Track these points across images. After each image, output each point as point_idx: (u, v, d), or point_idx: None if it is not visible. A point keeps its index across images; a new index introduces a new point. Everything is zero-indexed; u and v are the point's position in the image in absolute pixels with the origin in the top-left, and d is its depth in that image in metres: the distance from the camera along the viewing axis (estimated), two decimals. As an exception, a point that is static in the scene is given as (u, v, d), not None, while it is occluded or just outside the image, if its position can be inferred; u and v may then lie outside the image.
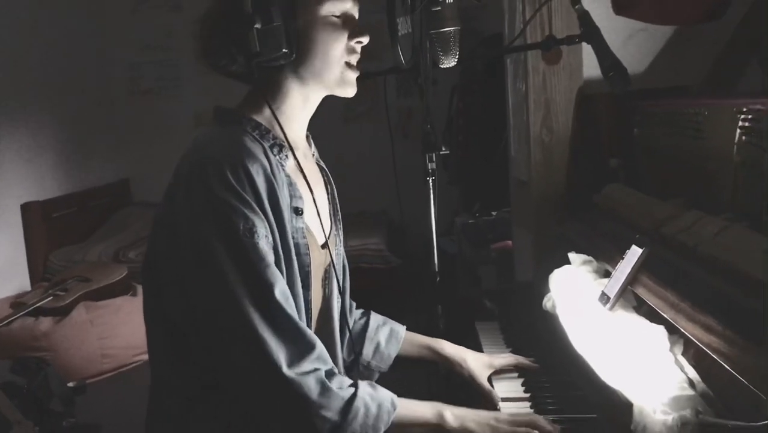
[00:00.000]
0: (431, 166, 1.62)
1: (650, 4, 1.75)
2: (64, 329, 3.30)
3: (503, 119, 2.36)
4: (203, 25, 1.22)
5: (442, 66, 1.31)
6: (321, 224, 1.29)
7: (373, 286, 4.16)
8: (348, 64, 1.25)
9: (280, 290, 1.12)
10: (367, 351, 1.50)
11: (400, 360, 1.54)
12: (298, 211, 1.21)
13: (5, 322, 3.27)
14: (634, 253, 1.22)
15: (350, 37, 1.23)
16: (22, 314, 3.32)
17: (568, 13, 1.81)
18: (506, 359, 1.49)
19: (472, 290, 2.51)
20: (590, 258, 1.45)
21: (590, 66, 1.87)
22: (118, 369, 3.41)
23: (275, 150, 1.21)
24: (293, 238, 1.20)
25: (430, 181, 1.63)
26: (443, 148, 1.64)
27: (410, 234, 4.64)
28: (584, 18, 1.51)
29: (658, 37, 1.91)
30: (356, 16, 1.25)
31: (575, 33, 1.56)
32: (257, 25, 1.13)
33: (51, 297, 3.50)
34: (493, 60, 2.91)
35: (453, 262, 3.33)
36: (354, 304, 1.57)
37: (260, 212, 1.13)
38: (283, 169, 1.21)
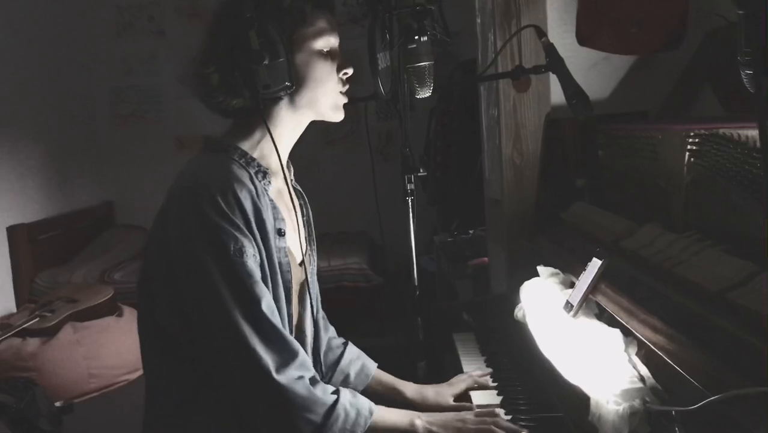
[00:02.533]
0: (410, 186, 1.74)
1: (611, 36, 1.89)
2: (51, 350, 3.32)
3: (479, 142, 2.49)
4: (203, 63, 1.32)
5: (418, 96, 1.44)
6: (300, 244, 1.41)
7: (356, 304, 4.25)
8: (340, 92, 1.38)
9: (267, 303, 1.23)
10: (335, 381, 1.59)
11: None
12: (281, 233, 1.33)
13: (-8, 343, 3.30)
14: (595, 264, 1.34)
15: (339, 70, 1.37)
16: (9, 335, 3.34)
17: (536, 43, 1.94)
18: (465, 381, 1.56)
19: (450, 302, 2.62)
20: (557, 271, 1.57)
21: (557, 93, 1.99)
22: (104, 389, 3.43)
23: (259, 176, 1.32)
24: (277, 257, 1.31)
25: (409, 201, 1.75)
26: (421, 170, 1.76)
27: (391, 253, 4.74)
28: (549, 50, 1.64)
29: (620, 66, 2.04)
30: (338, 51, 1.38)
31: (542, 63, 1.69)
32: (266, 61, 1.25)
33: (38, 318, 3.51)
34: (468, 87, 3.05)
35: (432, 279, 3.44)
36: (333, 329, 1.68)
37: (248, 234, 1.24)
38: (267, 194, 1.32)
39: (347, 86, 1.39)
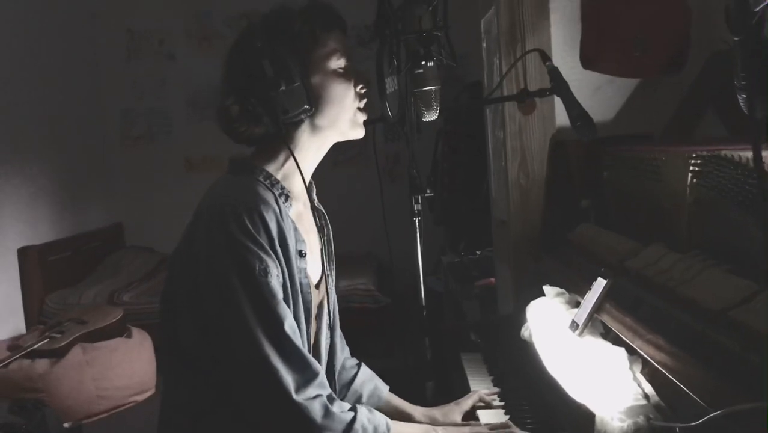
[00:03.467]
0: (417, 207, 1.77)
1: (615, 59, 1.93)
2: (60, 371, 3.33)
3: (485, 163, 2.52)
4: (222, 97, 1.36)
5: (425, 119, 1.48)
6: (321, 264, 1.44)
7: (364, 325, 4.23)
8: (358, 108, 1.41)
9: (289, 324, 1.26)
10: (348, 401, 1.59)
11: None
12: (302, 254, 1.36)
13: (2, 364, 3.29)
14: (600, 284, 1.36)
15: (356, 85, 1.40)
16: (18, 355, 3.35)
17: (541, 66, 1.98)
18: (472, 397, 1.58)
19: (458, 323, 2.64)
20: (563, 290, 1.58)
21: (562, 115, 2.02)
22: (113, 410, 3.44)
23: (282, 198, 1.35)
24: (298, 277, 1.34)
25: (417, 221, 1.77)
26: (428, 191, 1.79)
27: (398, 274, 4.75)
28: (554, 73, 1.67)
29: (624, 88, 2.07)
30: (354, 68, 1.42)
31: (547, 86, 1.72)
32: (282, 87, 1.28)
33: (47, 339, 3.51)
34: (474, 109, 3.09)
35: (440, 300, 3.45)
36: (348, 349, 1.69)
37: (272, 254, 1.27)
38: (289, 216, 1.35)
39: (365, 101, 1.42)
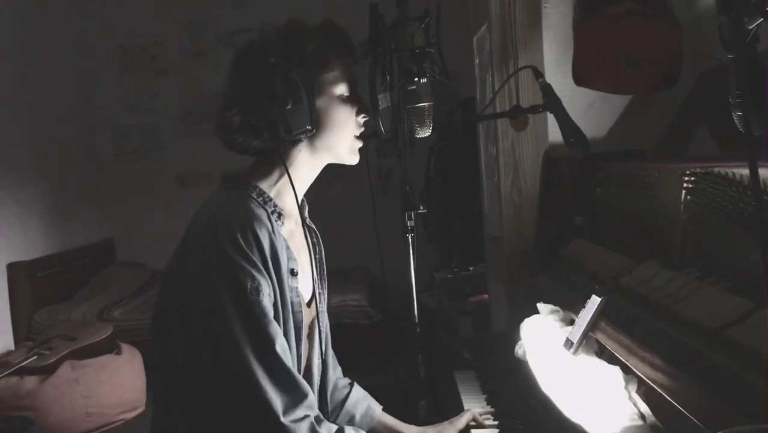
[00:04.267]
0: (410, 223, 1.76)
1: (607, 76, 1.93)
2: (48, 388, 3.30)
3: (478, 179, 2.52)
4: (225, 106, 1.35)
5: (418, 136, 1.47)
6: (313, 282, 1.43)
7: (356, 341, 4.21)
8: (356, 136, 1.42)
9: (280, 344, 1.24)
10: (341, 421, 1.60)
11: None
12: (293, 273, 1.34)
13: (-10, 381, 3.28)
14: (594, 302, 1.35)
15: (357, 114, 1.40)
16: (6, 373, 3.31)
17: (533, 83, 1.98)
18: (466, 416, 1.56)
19: (451, 340, 2.62)
20: (557, 308, 1.57)
21: (555, 131, 2.02)
22: (102, 428, 3.41)
23: (275, 216, 1.34)
24: (289, 296, 1.33)
25: (410, 238, 1.76)
26: (421, 207, 1.78)
27: (391, 290, 4.72)
28: (546, 90, 1.67)
29: (617, 105, 2.08)
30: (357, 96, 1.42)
31: (540, 102, 1.72)
32: (289, 106, 1.28)
33: (36, 356, 3.48)
34: (467, 125, 3.09)
35: (433, 316, 3.43)
36: (340, 369, 1.68)
37: (265, 272, 1.25)
38: (281, 234, 1.34)
39: (363, 129, 1.42)
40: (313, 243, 1.53)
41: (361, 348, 4.22)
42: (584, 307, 1.38)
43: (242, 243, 1.23)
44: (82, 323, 4.04)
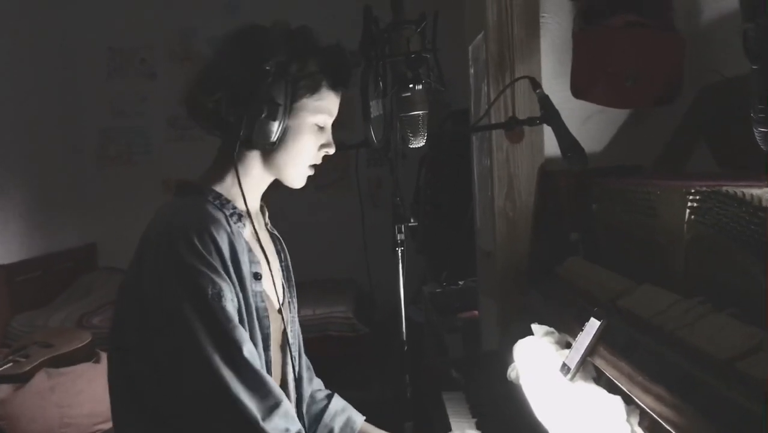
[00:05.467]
0: (400, 237, 1.68)
1: (606, 89, 1.87)
2: (23, 397, 3.21)
3: (469, 190, 2.45)
4: (205, 85, 1.28)
5: (411, 146, 1.39)
6: (275, 290, 1.36)
7: (341, 354, 4.14)
8: (310, 166, 1.36)
9: (248, 348, 1.18)
10: None
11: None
12: (257, 276, 1.28)
13: (-38, 389, 3.18)
14: (593, 325, 1.28)
15: (321, 147, 1.35)
16: (-21, 381, 3.24)
17: (530, 94, 1.92)
18: None
19: (439, 359, 2.54)
20: (552, 329, 1.50)
21: (551, 144, 1.96)
22: (78, 438, 3.32)
23: (234, 218, 1.28)
24: (254, 301, 1.26)
25: (399, 251, 1.69)
26: (412, 220, 1.71)
27: (378, 302, 4.66)
28: (544, 102, 1.61)
29: (614, 119, 2.02)
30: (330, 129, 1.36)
31: (537, 114, 1.66)
32: (262, 116, 1.23)
33: (11, 363, 3.40)
34: (459, 136, 3.03)
35: (420, 330, 3.35)
36: (318, 380, 1.61)
37: (226, 276, 1.19)
38: (242, 237, 1.28)
39: (319, 163, 1.38)
40: (277, 250, 1.46)
41: (345, 361, 4.15)
42: (582, 330, 1.31)
43: (200, 246, 1.17)
44: (61, 330, 3.94)
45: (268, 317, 1.30)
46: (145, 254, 1.22)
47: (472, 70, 2.29)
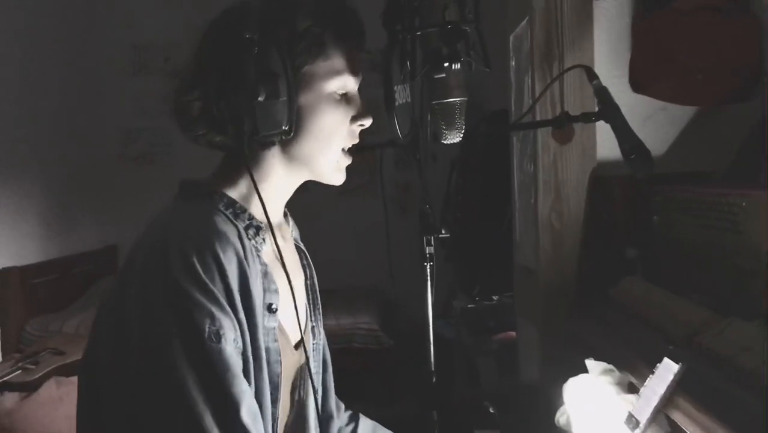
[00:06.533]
0: (429, 250, 1.44)
1: (672, 83, 1.62)
2: (30, 406, 3.06)
3: (505, 197, 2.20)
4: (184, 88, 1.06)
5: (444, 141, 1.13)
6: (297, 316, 1.09)
7: (365, 367, 3.97)
8: (344, 150, 1.10)
9: (248, 407, 0.93)
10: None
11: None
12: (271, 309, 1.03)
13: (-31, 398, 3.05)
14: (668, 368, 1.03)
15: (353, 120, 1.09)
16: (-14, 389, 3.10)
17: (582, 88, 1.68)
18: None
19: (472, 391, 2.29)
20: (611, 367, 1.25)
21: (605, 146, 1.72)
22: (84, 452, 3.15)
23: (251, 233, 1.03)
24: (264, 341, 1.01)
25: (428, 267, 1.45)
26: (443, 231, 1.47)
27: (404, 312, 4.44)
28: (602, 95, 1.35)
29: (679, 118, 1.76)
30: (357, 95, 1.10)
31: (589, 110, 1.41)
32: (260, 98, 0.98)
33: (20, 370, 3.28)
34: (494, 138, 2.78)
35: (449, 347, 3.10)
36: (342, 405, 1.37)
37: (229, 310, 0.94)
38: (259, 256, 1.03)
39: (355, 141, 1.11)
40: (303, 265, 1.23)
41: (369, 375, 3.97)
42: (653, 373, 1.06)
43: (200, 269, 0.92)
44: (74, 337, 3.82)
45: (280, 361, 1.05)
46: (131, 270, 0.98)
47: (513, 63, 2.05)
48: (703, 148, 1.74)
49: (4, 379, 3.20)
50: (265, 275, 1.03)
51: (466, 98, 1.06)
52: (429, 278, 1.45)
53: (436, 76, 1.01)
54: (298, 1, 1.03)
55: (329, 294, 4.54)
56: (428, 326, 1.47)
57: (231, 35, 1.00)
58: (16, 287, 3.95)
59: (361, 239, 4.67)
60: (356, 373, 3.71)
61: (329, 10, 1.04)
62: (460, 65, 0.99)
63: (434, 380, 1.47)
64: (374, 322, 4.09)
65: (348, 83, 1.07)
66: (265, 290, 1.02)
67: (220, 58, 1.01)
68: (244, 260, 0.98)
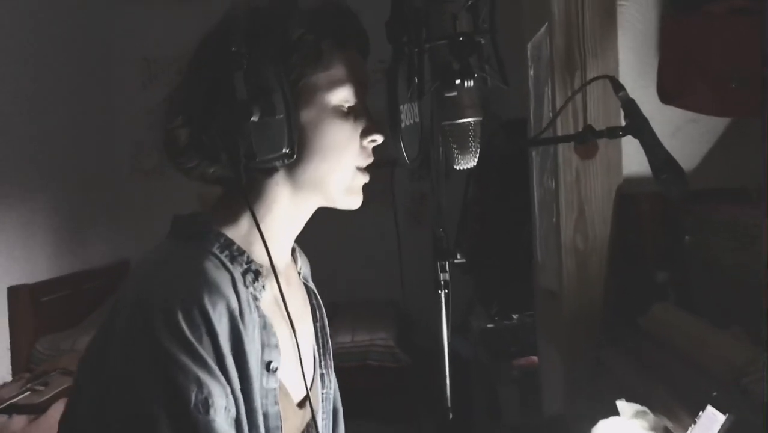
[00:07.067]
0: (443, 276, 1.33)
1: (705, 93, 1.50)
2: (37, 430, 2.99)
3: (524, 207, 2.09)
4: (168, 114, 0.94)
5: (457, 166, 1.02)
6: (302, 368, 0.97)
7: (382, 386, 3.84)
8: (358, 169, 0.98)
9: None
10: None
11: None
12: (269, 368, 0.90)
13: (-25, 421, 2.99)
14: (713, 418, 0.91)
15: (363, 135, 0.97)
16: (-6, 412, 3.03)
17: (606, 99, 1.57)
18: None
19: (491, 424, 2.17)
20: (644, 409, 1.14)
21: (632, 160, 1.61)
22: (92, 477, 3.07)
23: (248, 279, 0.90)
24: (262, 404, 0.89)
25: (443, 295, 1.34)
26: (458, 256, 1.36)
27: (420, 327, 4.33)
28: (630, 107, 1.24)
29: (711, 130, 1.65)
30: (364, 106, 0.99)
31: (614, 122, 1.30)
32: (254, 118, 0.87)
33: (29, 392, 3.21)
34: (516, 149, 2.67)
35: (467, 368, 2.99)
36: None
37: (219, 374, 0.82)
38: (257, 307, 0.91)
39: (370, 160, 1.00)
40: (312, 306, 1.11)
41: (385, 393, 3.85)
42: (695, 422, 0.94)
43: (185, 328, 0.80)
44: (84, 356, 3.73)
45: (280, 427, 0.92)
46: (114, 324, 0.85)
47: (531, 72, 1.94)
48: (736, 163, 1.63)
49: (12, 401, 3.13)
50: (264, 327, 0.90)
51: (480, 118, 0.95)
52: (444, 306, 1.34)
53: (447, 95, 0.90)
54: (289, 7, 0.92)
55: (343, 307, 4.39)
56: (444, 361, 1.36)
57: (216, 50, 0.89)
58: (26, 304, 3.87)
59: (376, 252, 4.58)
60: (371, 390, 3.62)
61: (323, 14, 0.94)
62: (474, 82, 0.88)
63: (451, 417, 1.36)
64: (391, 338, 3.98)
65: (354, 94, 0.96)
66: (263, 346, 0.89)
67: (206, 76, 0.90)
68: (238, 316, 0.85)
